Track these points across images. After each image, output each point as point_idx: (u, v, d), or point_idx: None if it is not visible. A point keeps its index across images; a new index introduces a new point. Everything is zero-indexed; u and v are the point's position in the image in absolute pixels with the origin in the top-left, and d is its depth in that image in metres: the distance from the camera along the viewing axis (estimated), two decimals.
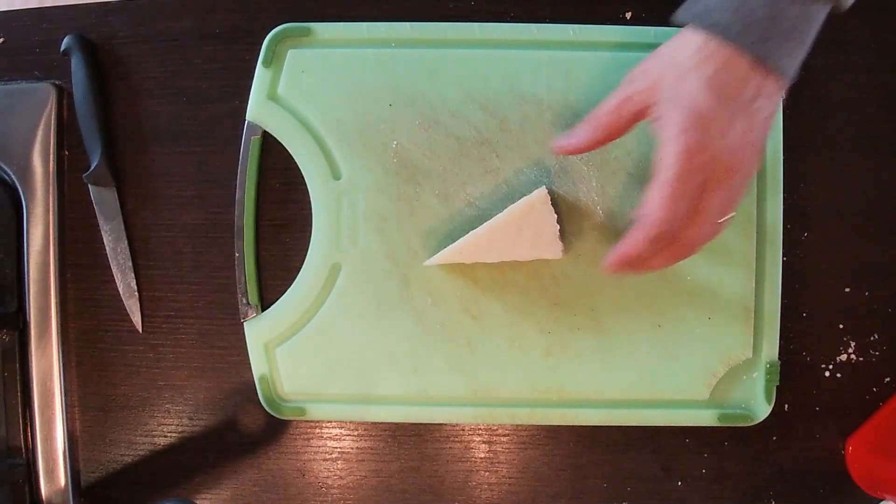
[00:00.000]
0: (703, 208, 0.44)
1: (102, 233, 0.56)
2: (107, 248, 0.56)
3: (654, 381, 0.53)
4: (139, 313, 0.56)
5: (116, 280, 0.56)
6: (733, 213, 0.45)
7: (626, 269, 0.46)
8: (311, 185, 0.54)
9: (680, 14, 0.44)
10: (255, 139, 0.54)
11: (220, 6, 0.56)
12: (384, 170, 0.54)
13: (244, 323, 0.55)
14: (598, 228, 0.53)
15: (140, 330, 0.56)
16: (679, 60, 0.43)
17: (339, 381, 0.54)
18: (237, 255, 0.54)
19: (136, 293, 0.56)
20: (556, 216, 0.50)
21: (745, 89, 0.43)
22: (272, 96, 0.54)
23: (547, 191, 0.51)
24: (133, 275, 0.56)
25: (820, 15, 0.43)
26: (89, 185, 0.56)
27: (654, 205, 0.43)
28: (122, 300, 0.57)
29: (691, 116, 0.42)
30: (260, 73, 0.54)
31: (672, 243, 0.44)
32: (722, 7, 0.42)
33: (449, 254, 0.51)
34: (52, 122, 0.56)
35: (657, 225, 0.43)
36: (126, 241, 0.56)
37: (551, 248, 0.50)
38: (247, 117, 0.54)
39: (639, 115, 0.45)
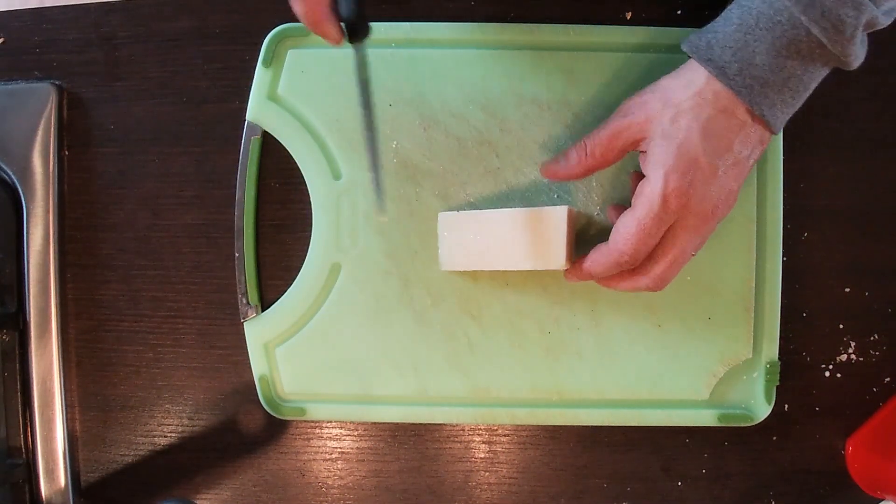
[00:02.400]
0: (668, 246, 0.44)
1: (361, 101, 0.45)
2: (363, 118, 0.45)
3: (654, 381, 0.53)
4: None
5: (369, 153, 0.46)
6: (694, 254, 0.46)
7: (587, 279, 0.48)
8: (311, 185, 0.54)
9: (684, 43, 0.44)
10: (255, 139, 0.54)
11: (220, 6, 0.56)
12: (384, 170, 0.54)
13: (244, 323, 0.55)
14: (598, 229, 0.53)
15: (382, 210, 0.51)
16: (678, 98, 0.43)
17: (339, 381, 0.54)
18: (237, 255, 0.54)
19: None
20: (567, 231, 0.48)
21: (737, 139, 0.43)
22: (272, 96, 0.54)
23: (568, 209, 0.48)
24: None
25: (819, 74, 0.43)
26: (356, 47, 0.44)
27: (622, 236, 0.44)
28: (122, 300, 0.57)
29: (681, 158, 0.42)
30: (260, 73, 0.54)
31: (635, 273, 0.46)
32: (724, 45, 0.42)
33: (465, 262, 0.51)
34: (52, 122, 0.56)
35: (620, 255, 0.44)
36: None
37: (558, 260, 0.48)
38: (247, 117, 0.54)
39: (630, 147, 0.45)
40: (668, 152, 0.42)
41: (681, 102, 0.43)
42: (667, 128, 0.43)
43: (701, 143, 0.42)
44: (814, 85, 0.43)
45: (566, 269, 0.48)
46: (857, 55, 0.42)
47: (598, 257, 0.46)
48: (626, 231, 0.44)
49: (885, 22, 0.42)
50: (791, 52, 0.41)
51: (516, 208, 0.49)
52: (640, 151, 0.45)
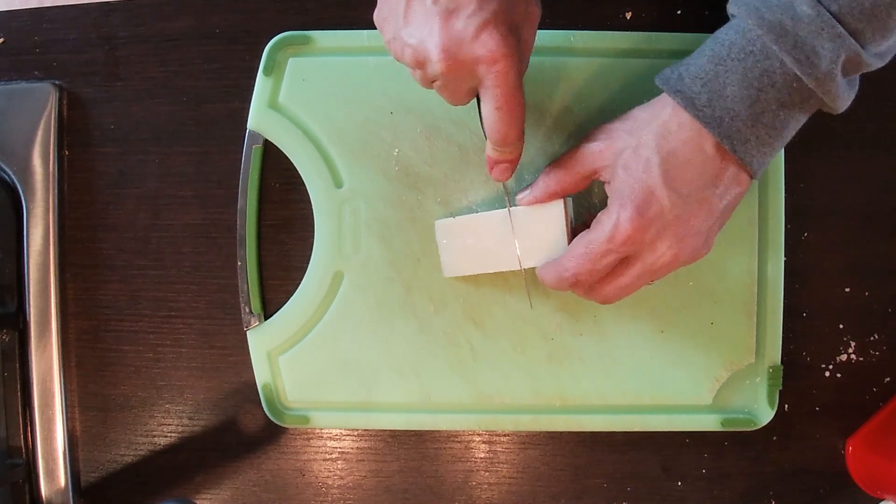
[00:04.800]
0: (619, 273, 0.44)
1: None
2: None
3: (656, 386, 0.53)
4: None
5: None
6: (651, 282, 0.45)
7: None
8: (313, 193, 0.54)
9: (657, 77, 0.43)
10: (257, 148, 0.54)
11: (220, 6, 0.56)
12: (386, 177, 0.53)
13: (247, 332, 0.54)
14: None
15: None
16: (642, 130, 0.42)
17: (342, 388, 0.54)
18: (239, 263, 0.54)
19: None
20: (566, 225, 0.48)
21: (705, 173, 0.41)
22: (273, 105, 0.54)
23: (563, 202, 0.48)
24: None
25: (799, 115, 0.41)
26: None
27: (571, 255, 0.44)
28: (122, 300, 0.57)
29: (638, 192, 0.41)
30: (261, 82, 0.54)
31: (587, 290, 0.45)
32: (695, 75, 0.41)
33: (468, 267, 0.50)
34: (52, 122, 0.56)
35: (564, 270, 0.44)
36: None
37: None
38: (248, 126, 0.54)
39: (592, 174, 0.45)
40: (627, 184, 0.41)
41: (644, 133, 0.42)
42: (628, 159, 0.42)
43: (660, 177, 0.41)
44: (794, 125, 0.41)
45: (538, 271, 0.48)
46: (841, 95, 0.40)
47: (550, 268, 0.45)
48: (576, 252, 0.43)
49: (875, 64, 0.40)
50: (764, 85, 0.39)
51: (513, 207, 0.48)
52: (603, 181, 0.44)
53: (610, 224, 0.42)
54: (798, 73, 0.39)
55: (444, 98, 0.42)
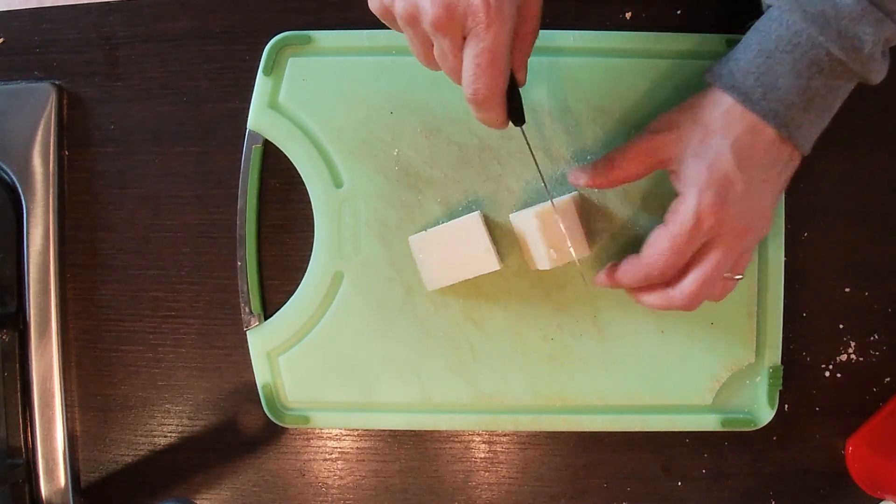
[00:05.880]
0: (699, 262, 0.45)
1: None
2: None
3: (657, 386, 0.53)
4: None
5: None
6: (741, 276, 0.47)
7: (616, 287, 0.48)
8: (313, 193, 0.54)
9: (708, 72, 0.45)
10: (257, 148, 0.54)
11: (220, 6, 0.56)
12: (386, 177, 0.53)
13: (247, 332, 0.54)
14: (599, 234, 0.53)
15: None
16: (707, 119, 0.44)
17: (342, 388, 0.54)
18: (239, 264, 0.54)
19: None
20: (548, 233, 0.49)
21: (768, 156, 0.43)
22: (273, 105, 0.54)
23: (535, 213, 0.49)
24: None
25: (845, 89, 0.43)
26: None
27: (654, 251, 0.45)
28: (122, 300, 0.57)
29: (713, 176, 0.43)
30: (261, 82, 0.54)
31: (666, 287, 0.46)
32: (746, 70, 0.43)
33: (449, 277, 0.51)
34: (52, 122, 0.56)
35: (650, 268, 0.45)
36: None
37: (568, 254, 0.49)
38: (248, 126, 0.54)
39: (659, 165, 0.46)
40: (700, 171, 0.43)
41: (710, 122, 0.43)
42: (697, 147, 0.44)
43: (732, 161, 0.42)
44: (839, 101, 0.44)
45: (599, 278, 0.49)
46: (879, 70, 0.43)
47: (629, 268, 0.46)
48: (659, 247, 0.44)
49: None
50: (813, 73, 0.41)
51: (515, 213, 0.49)
52: (671, 170, 0.46)
53: (691, 210, 0.43)
54: (843, 59, 0.41)
55: (439, 61, 0.41)
